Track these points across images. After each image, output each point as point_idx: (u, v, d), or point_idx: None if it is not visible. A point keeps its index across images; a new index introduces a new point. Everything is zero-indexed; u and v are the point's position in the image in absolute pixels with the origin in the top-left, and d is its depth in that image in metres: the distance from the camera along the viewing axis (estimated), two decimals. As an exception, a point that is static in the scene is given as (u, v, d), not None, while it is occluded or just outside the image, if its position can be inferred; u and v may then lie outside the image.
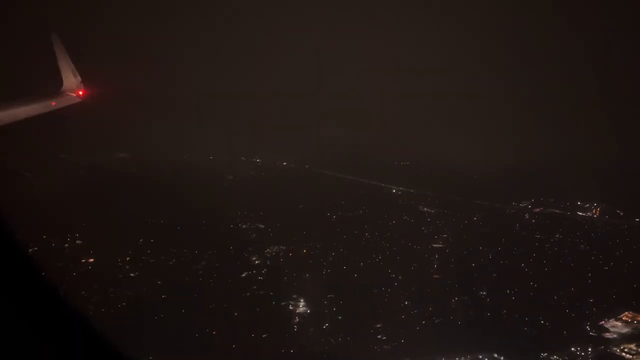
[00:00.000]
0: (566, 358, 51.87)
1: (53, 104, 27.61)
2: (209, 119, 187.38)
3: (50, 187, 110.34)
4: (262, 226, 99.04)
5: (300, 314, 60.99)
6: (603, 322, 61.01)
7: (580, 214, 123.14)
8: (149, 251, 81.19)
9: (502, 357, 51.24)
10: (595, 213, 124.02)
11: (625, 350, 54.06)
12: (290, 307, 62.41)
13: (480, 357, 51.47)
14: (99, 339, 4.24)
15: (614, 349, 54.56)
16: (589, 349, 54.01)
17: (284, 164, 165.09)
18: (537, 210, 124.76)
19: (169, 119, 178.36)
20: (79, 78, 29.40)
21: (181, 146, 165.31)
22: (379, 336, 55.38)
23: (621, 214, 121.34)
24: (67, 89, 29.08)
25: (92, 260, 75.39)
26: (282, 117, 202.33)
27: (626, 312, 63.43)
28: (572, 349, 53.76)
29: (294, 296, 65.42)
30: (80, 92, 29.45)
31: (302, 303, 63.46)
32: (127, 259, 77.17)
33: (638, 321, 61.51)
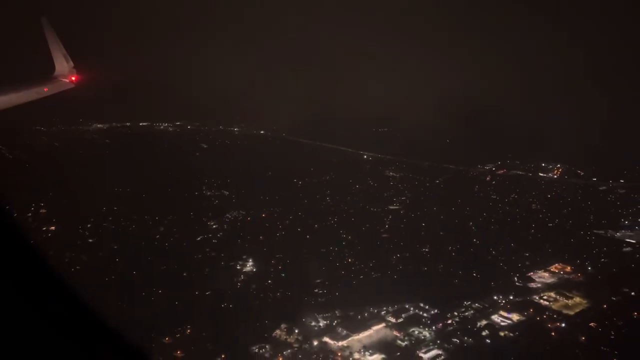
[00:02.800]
0: (487, 305, 55.51)
1: (45, 89, 27.08)
2: (190, 89, 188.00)
3: (22, 158, 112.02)
4: (227, 193, 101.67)
5: (246, 273, 64.08)
6: (532, 273, 64.73)
7: (542, 174, 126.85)
8: (110, 218, 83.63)
9: (427, 306, 54.74)
10: (556, 174, 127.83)
11: (545, 297, 57.81)
12: (238, 267, 65.43)
13: (407, 306, 54.95)
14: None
15: (534, 296, 58.27)
16: (511, 297, 57.71)
17: (262, 132, 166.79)
18: (500, 172, 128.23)
19: (150, 89, 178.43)
20: (71, 63, 29.03)
21: (161, 116, 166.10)
22: (316, 290, 58.70)
23: (581, 174, 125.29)
24: (59, 74, 28.66)
25: (53, 228, 77.41)
26: (264, 87, 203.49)
27: (556, 264, 67.21)
28: (495, 297, 57.43)
29: (244, 257, 68.39)
30: (73, 78, 28.94)
31: (250, 263, 66.47)
32: (88, 225, 79.42)
33: (565, 272, 65.32)
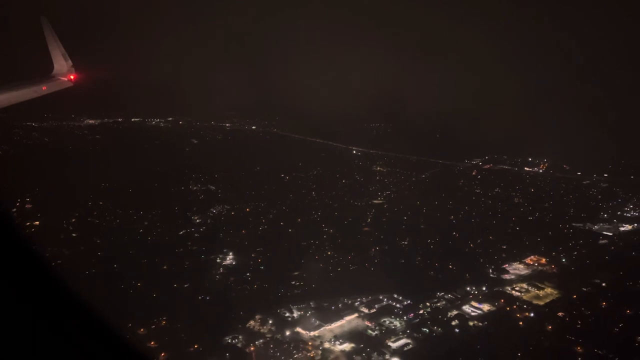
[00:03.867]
0: (459, 296, 56.50)
1: (44, 88, 26.46)
2: (183, 84, 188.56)
3: (11, 154, 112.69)
4: (213, 187, 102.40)
5: (225, 266, 64.89)
6: (507, 265, 65.75)
7: (527, 169, 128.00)
8: (95, 213, 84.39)
9: (400, 297, 55.72)
10: (542, 168, 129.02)
11: (517, 288, 58.88)
12: (218, 260, 66.21)
13: (381, 297, 55.91)
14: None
15: (507, 287, 59.33)
16: (484, 288, 58.72)
17: (253, 128, 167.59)
18: (486, 166, 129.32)
19: (143, 85, 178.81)
20: (70, 62, 28.48)
21: (154, 112, 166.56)
22: (293, 282, 59.59)
23: (567, 168, 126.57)
24: (58, 73, 28.22)
25: (37, 222, 77.94)
26: (258, 82, 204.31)
27: (531, 256, 68.28)
28: (468, 288, 58.42)
29: (225, 250, 69.18)
30: (72, 76, 28.24)
31: (230, 256, 67.28)
32: (73, 220, 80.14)
33: (539, 264, 66.41)
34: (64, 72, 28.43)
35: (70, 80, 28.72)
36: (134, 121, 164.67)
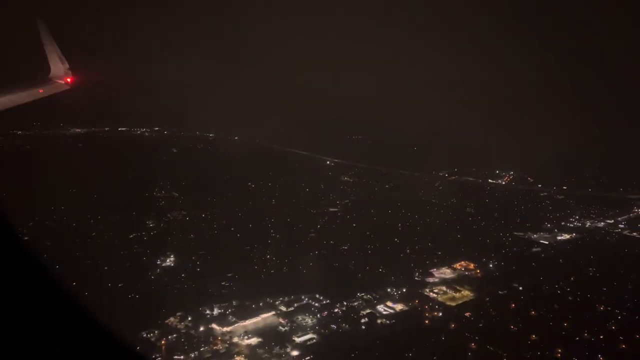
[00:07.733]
0: (377, 296, 58.93)
1: (40, 91, 27.59)
2: (169, 94, 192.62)
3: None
4: (176, 194, 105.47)
5: (164, 267, 67.56)
6: (434, 269, 68.18)
7: (491, 181, 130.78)
8: (54, 217, 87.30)
9: (321, 297, 58.24)
10: (505, 180, 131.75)
11: (435, 291, 61.26)
12: (158, 262, 68.89)
13: (303, 297, 58.40)
14: None
15: (427, 290, 61.72)
16: (404, 289, 61.10)
17: (236, 138, 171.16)
18: (451, 178, 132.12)
19: (130, 95, 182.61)
20: (67, 64, 28.65)
21: (139, 121, 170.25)
22: (224, 283, 62.17)
23: (530, 180, 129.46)
24: (55, 75, 28.21)
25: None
26: (243, 93, 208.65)
27: (461, 262, 70.76)
28: (388, 289, 60.84)
29: (168, 253, 71.88)
30: (69, 79, 30.18)
31: (171, 258, 69.97)
32: (30, 224, 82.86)
33: (466, 268, 68.86)
34: (61, 74, 28.83)
35: (67, 83, 30.33)
36: (120, 130, 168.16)
